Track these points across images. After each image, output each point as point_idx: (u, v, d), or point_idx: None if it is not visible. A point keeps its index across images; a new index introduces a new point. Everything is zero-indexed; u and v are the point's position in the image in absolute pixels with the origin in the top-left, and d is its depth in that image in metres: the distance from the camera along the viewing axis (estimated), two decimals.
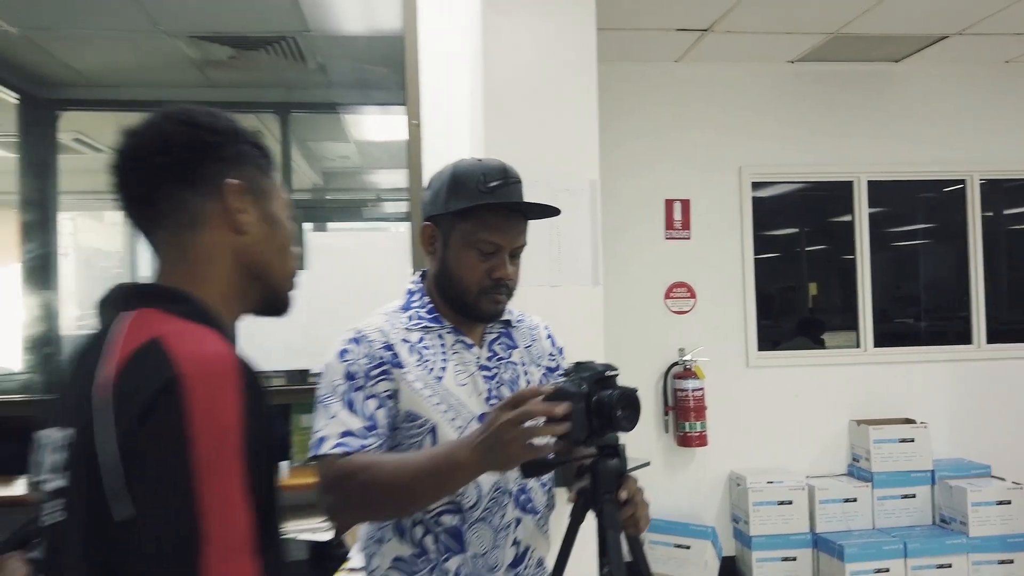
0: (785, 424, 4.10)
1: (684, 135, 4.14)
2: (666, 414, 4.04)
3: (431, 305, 1.32)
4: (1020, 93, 4.31)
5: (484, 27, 2.09)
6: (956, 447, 4.15)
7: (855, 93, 4.23)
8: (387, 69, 2.73)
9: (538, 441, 1.05)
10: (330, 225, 5.11)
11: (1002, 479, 3.90)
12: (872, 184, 4.24)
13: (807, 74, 4.21)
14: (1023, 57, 4.20)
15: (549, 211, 1.38)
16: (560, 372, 1.42)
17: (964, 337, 4.30)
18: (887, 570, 3.66)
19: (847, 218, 4.27)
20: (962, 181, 4.30)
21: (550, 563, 1.31)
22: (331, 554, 2.13)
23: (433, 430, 1.25)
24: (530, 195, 1.40)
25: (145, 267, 5.90)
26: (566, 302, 2.07)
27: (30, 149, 4.09)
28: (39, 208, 4.11)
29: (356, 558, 2.09)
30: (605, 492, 1.16)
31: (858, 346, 4.23)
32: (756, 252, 4.19)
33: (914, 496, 3.95)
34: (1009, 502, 3.80)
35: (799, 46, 3.95)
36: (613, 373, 1.16)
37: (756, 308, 4.14)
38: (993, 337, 4.29)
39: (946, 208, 4.40)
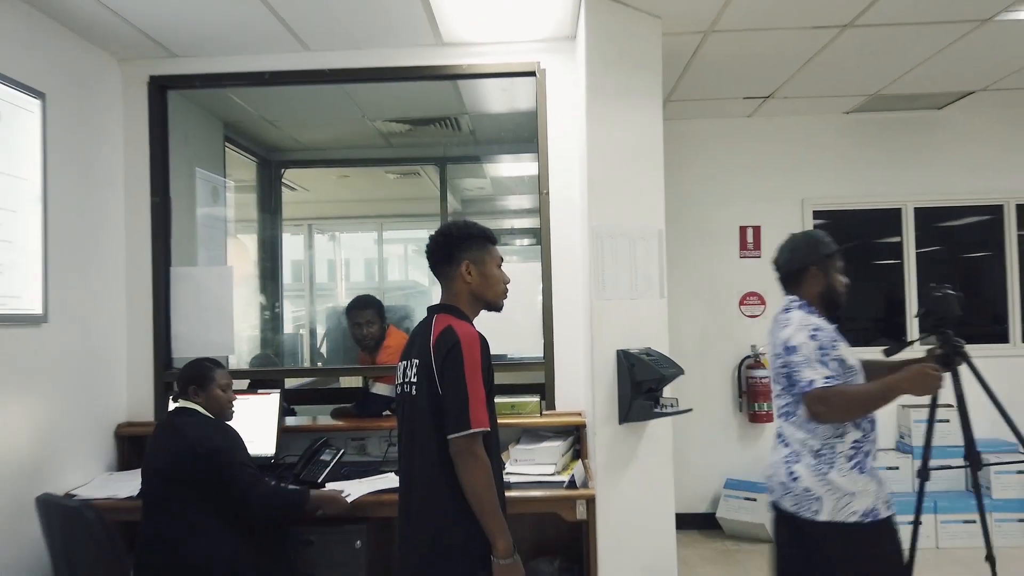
0: None
1: (755, 174, 5.16)
2: (740, 397, 5.08)
3: (814, 310, 2.40)
4: None
5: (588, 125, 3.26)
6: (993, 430, 4.91)
7: (902, 135, 5.11)
8: (524, 140, 3.97)
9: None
10: None
11: None
12: (918, 211, 5.11)
13: (860, 122, 5.13)
14: None
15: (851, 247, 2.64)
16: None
17: (1002, 337, 5.07)
18: (919, 523, 4.53)
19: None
20: (1000, 207, 5.09)
21: None
22: None
23: (856, 375, 2.33)
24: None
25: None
26: (641, 309, 3.20)
27: (264, 193, 5.66)
28: (270, 234, 5.68)
29: (511, 466, 3.30)
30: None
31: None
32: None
33: (948, 467, 4.78)
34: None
35: (850, 102, 4.89)
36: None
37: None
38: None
39: (985, 229, 5.18)
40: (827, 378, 2.23)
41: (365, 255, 9.23)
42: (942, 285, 2.50)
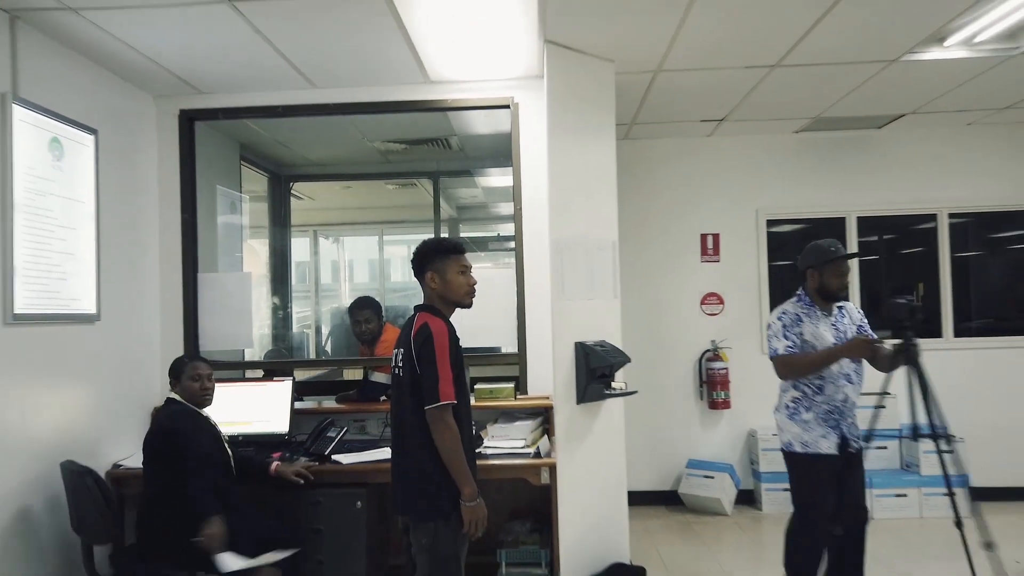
0: None
1: (715, 186, 5.76)
2: (701, 386, 5.68)
3: (808, 299, 3.36)
4: (979, 147, 5.64)
5: (550, 155, 3.85)
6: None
7: (846, 152, 5.71)
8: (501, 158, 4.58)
9: None
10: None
11: (953, 436, 5.26)
12: (861, 219, 5.70)
13: (808, 140, 5.73)
14: (981, 120, 5.53)
15: (851, 256, 3.67)
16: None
17: (935, 331, 5.66)
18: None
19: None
20: (934, 215, 5.68)
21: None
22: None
23: (815, 347, 3.27)
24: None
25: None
26: (597, 308, 3.79)
27: (274, 204, 6.28)
28: (280, 240, 6.29)
29: (489, 441, 3.89)
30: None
31: None
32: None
33: (885, 448, 5.38)
34: (952, 451, 5.18)
35: (797, 123, 5.48)
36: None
37: (769, 309, 5.67)
38: (958, 332, 5.64)
39: (921, 236, 5.77)
40: (788, 347, 3.33)
41: (368, 258, 9.86)
42: (901, 295, 3.36)
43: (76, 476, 3.22)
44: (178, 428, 3.15)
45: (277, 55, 3.77)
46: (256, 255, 6.35)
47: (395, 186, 7.36)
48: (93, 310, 3.61)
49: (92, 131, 3.62)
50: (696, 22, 3.46)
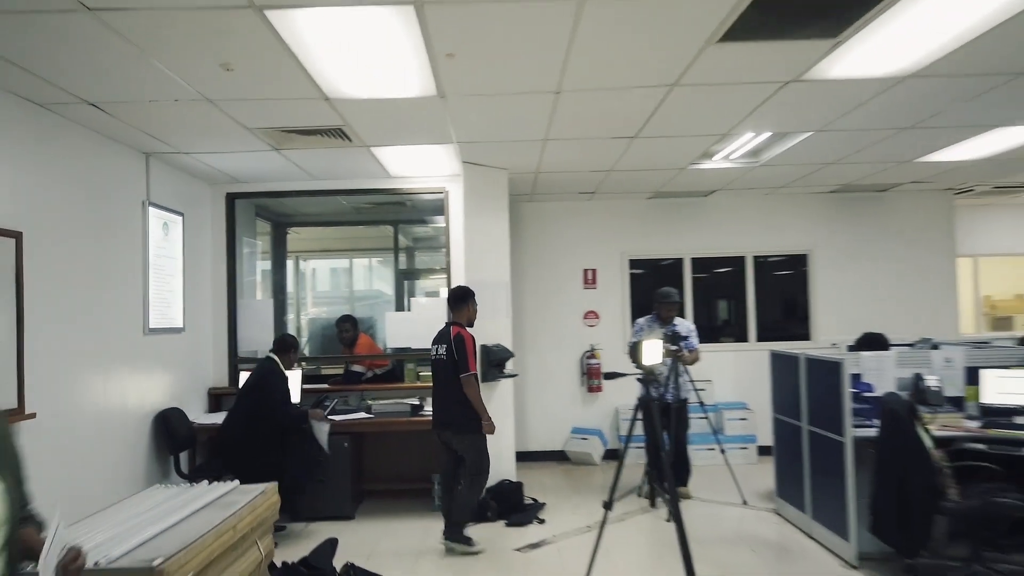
0: None
1: (593, 234, 8.16)
2: (582, 375, 8.06)
3: (655, 317, 6.01)
4: (775, 210, 8.17)
5: (465, 230, 6.18)
6: (736, 395, 7.99)
7: (684, 211, 8.17)
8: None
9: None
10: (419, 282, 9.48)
11: (748, 408, 7.74)
12: (694, 260, 8.16)
13: (657, 203, 8.17)
14: (774, 192, 8.02)
15: (676, 301, 6.20)
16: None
17: (744, 338, 8.14)
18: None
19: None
20: (742, 258, 8.17)
21: None
22: None
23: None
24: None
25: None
26: (496, 323, 6.12)
27: (276, 245, 8.50)
28: (279, 270, 8.51)
29: (429, 406, 6.20)
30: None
31: None
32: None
33: (705, 417, 7.81)
34: (746, 419, 7.67)
35: (646, 193, 7.91)
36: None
37: (630, 323, 8.08)
38: (760, 337, 8.14)
39: (735, 273, 8.26)
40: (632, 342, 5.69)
41: (338, 276, 12.11)
42: (671, 327, 5.97)
43: (167, 414, 5.48)
44: (270, 382, 5.31)
45: (295, 167, 6.05)
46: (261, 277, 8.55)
47: (364, 226, 9.64)
48: (181, 325, 5.84)
49: (180, 213, 5.86)
50: (549, 152, 5.84)
